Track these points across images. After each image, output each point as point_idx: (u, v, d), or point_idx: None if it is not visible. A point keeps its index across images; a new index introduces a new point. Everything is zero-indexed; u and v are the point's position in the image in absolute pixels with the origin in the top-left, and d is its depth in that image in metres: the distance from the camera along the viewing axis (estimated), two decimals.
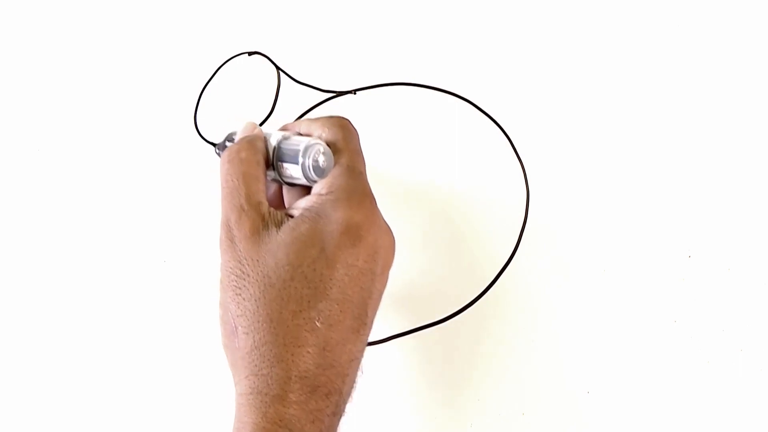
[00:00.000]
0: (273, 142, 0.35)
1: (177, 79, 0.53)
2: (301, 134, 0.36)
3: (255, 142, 0.35)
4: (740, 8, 0.53)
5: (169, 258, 0.47)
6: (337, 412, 0.30)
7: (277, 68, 0.49)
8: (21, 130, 0.53)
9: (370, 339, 0.34)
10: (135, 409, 0.43)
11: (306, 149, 0.33)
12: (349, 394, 0.31)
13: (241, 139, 0.35)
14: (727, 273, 0.44)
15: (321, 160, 0.33)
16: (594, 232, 0.46)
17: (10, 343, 0.45)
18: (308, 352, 0.29)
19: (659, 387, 0.41)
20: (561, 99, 0.50)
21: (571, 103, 0.50)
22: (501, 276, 0.45)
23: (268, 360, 0.29)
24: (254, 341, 0.29)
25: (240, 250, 0.31)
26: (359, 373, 0.32)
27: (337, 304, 0.30)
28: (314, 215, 0.31)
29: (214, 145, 0.39)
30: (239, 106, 0.50)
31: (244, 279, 0.30)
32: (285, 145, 0.35)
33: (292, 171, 0.34)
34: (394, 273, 0.35)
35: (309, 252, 0.30)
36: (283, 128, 0.37)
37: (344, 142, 0.34)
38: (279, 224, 0.31)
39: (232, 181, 0.33)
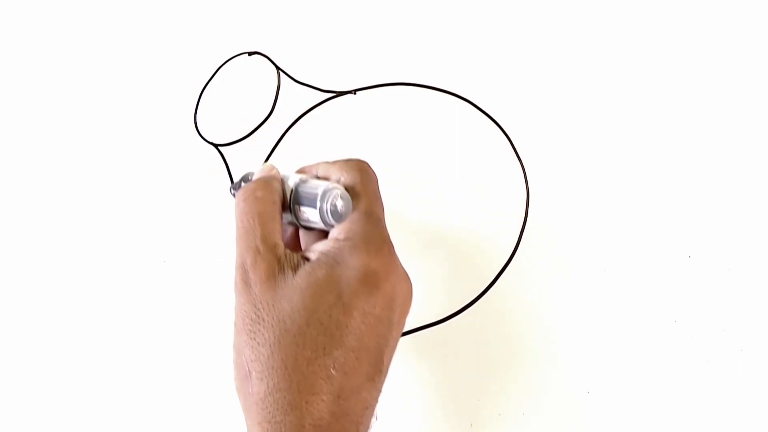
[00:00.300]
0: (290, 184, 0.34)
1: (177, 79, 0.53)
2: (318, 177, 0.35)
3: (271, 182, 0.34)
4: (740, 8, 0.53)
5: (169, 258, 0.47)
6: None
7: (277, 68, 0.49)
8: (21, 130, 0.53)
9: None
10: (135, 409, 0.43)
11: (324, 193, 0.33)
12: None
13: (258, 179, 0.35)
14: (727, 273, 0.44)
15: (339, 204, 0.33)
16: (594, 232, 0.46)
17: (11, 343, 0.45)
18: (323, 400, 0.29)
19: (659, 387, 0.41)
20: (561, 99, 0.50)
21: (571, 103, 0.50)
22: (501, 276, 0.45)
23: (282, 407, 0.28)
24: (268, 387, 0.29)
25: (255, 294, 0.30)
26: (374, 419, 0.32)
27: (353, 352, 0.30)
28: (332, 261, 0.31)
29: (231, 181, 0.38)
30: (239, 106, 0.50)
31: (259, 323, 0.30)
32: (303, 189, 0.34)
33: (310, 215, 0.33)
34: None
35: (326, 298, 0.30)
36: (301, 170, 0.37)
37: (362, 186, 0.34)
38: (295, 268, 0.31)
39: (248, 221, 0.32)
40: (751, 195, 0.46)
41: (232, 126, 0.48)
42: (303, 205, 0.34)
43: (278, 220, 0.33)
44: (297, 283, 0.30)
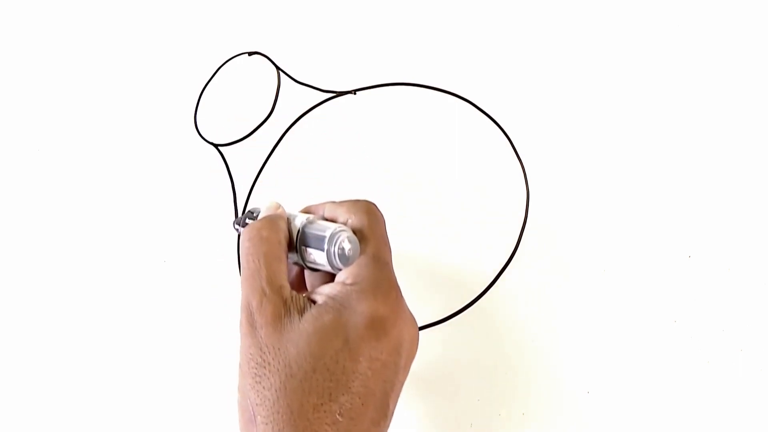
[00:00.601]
0: (297, 224, 0.34)
1: (177, 79, 0.53)
2: (325, 218, 0.35)
3: (277, 221, 0.34)
4: (740, 8, 0.53)
5: (169, 258, 0.47)
6: None
7: (277, 68, 0.49)
8: (21, 130, 0.53)
9: None
10: (135, 409, 0.43)
11: (332, 236, 0.32)
12: None
13: (263, 218, 0.34)
14: (727, 273, 0.44)
15: (347, 248, 0.32)
16: (594, 232, 0.46)
17: (11, 342, 0.45)
18: None
19: (659, 387, 0.41)
20: (561, 99, 0.50)
21: (571, 103, 0.50)
22: (501, 276, 0.45)
23: None
24: None
25: (261, 337, 0.30)
26: None
27: (359, 398, 0.29)
28: (339, 305, 0.31)
29: (236, 218, 0.38)
30: (239, 106, 0.50)
31: (265, 367, 0.30)
32: (310, 230, 0.34)
33: (317, 257, 0.33)
34: (395, 272, 0.35)
35: (332, 344, 0.30)
36: (306, 210, 0.37)
37: (370, 229, 0.34)
38: (302, 311, 0.31)
39: (254, 261, 0.32)
40: (751, 195, 0.46)
41: (232, 126, 0.48)
42: (310, 246, 0.33)
43: (284, 260, 0.33)
44: (303, 327, 0.30)
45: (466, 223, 0.47)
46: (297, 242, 0.34)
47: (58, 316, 0.46)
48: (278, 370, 0.29)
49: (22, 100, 0.54)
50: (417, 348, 0.34)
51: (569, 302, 0.44)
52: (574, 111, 0.50)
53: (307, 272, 0.36)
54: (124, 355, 0.44)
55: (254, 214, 0.37)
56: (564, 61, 0.52)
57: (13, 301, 0.47)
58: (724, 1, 0.54)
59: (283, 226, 0.34)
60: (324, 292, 0.32)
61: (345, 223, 0.34)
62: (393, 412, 0.32)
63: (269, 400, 0.29)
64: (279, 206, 0.36)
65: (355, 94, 0.51)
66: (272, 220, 0.34)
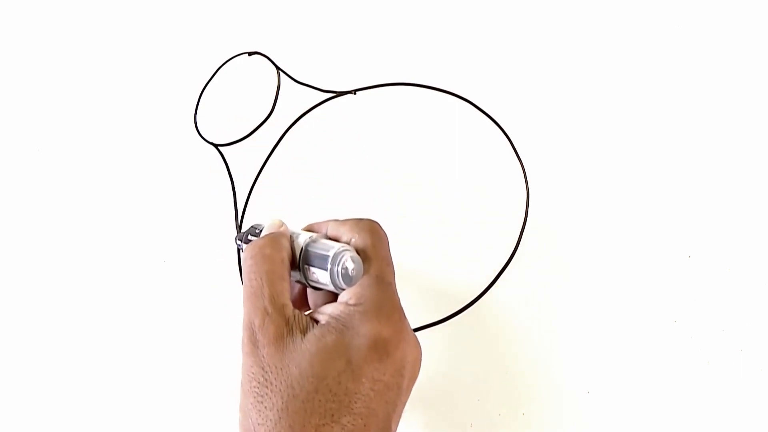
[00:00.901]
0: (300, 242, 0.34)
1: (177, 79, 0.53)
2: (328, 236, 0.35)
3: (280, 239, 0.34)
4: (740, 8, 0.53)
5: (169, 258, 0.47)
6: None
7: (277, 68, 0.49)
8: (21, 130, 0.53)
9: None
10: (135, 409, 0.43)
11: (336, 256, 0.32)
12: None
13: (267, 236, 0.34)
14: (727, 273, 0.44)
15: (350, 267, 0.32)
16: (594, 232, 0.46)
17: (11, 342, 0.45)
18: None
19: (659, 387, 0.41)
20: (561, 99, 0.50)
21: (571, 103, 0.50)
22: (501, 276, 0.45)
23: None
24: None
25: (263, 356, 0.30)
26: None
27: (362, 419, 0.29)
28: (341, 326, 0.31)
29: (239, 231, 0.38)
30: (239, 106, 0.50)
31: (267, 387, 0.30)
32: (313, 248, 0.33)
33: (320, 276, 0.33)
34: (395, 272, 0.35)
35: (335, 364, 0.30)
36: (309, 228, 0.36)
37: (374, 249, 0.33)
38: (304, 330, 0.31)
39: (256, 280, 0.32)
40: (750, 195, 0.46)
41: (232, 126, 0.48)
42: (313, 265, 0.33)
43: (287, 279, 0.33)
44: (306, 347, 0.30)
45: (466, 223, 0.47)
46: (300, 261, 0.34)
47: (58, 316, 0.46)
48: (280, 390, 0.29)
49: (22, 100, 0.54)
50: (419, 368, 0.34)
51: (569, 302, 0.44)
52: (574, 111, 0.50)
53: (309, 290, 0.36)
54: (124, 355, 0.44)
55: (257, 231, 0.36)
56: (564, 62, 0.52)
57: (14, 301, 0.47)
58: (724, 1, 0.54)
59: (286, 244, 0.34)
60: (327, 312, 0.32)
61: (348, 242, 0.34)
62: None
63: (271, 420, 0.29)
64: (282, 224, 0.36)
65: (355, 94, 0.51)
66: (275, 238, 0.34)
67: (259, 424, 0.29)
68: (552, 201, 0.47)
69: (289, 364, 0.30)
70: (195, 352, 0.44)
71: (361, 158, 0.49)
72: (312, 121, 0.51)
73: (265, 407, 0.29)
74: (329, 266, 0.32)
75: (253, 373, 0.30)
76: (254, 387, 0.30)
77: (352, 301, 0.32)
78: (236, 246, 0.34)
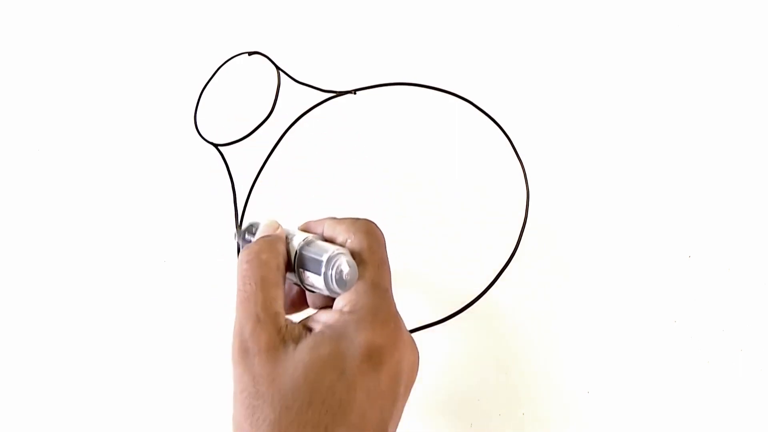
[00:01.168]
0: (295, 245, 0.33)
1: (177, 79, 0.53)
2: (324, 237, 0.34)
3: (276, 244, 0.33)
4: (740, 8, 0.53)
5: (169, 258, 0.47)
6: None
7: (277, 68, 0.49)
8: (21, 130, 0.53)
9: None
10: (135, 409, 0.43)
11: (330, 260, 0.31)
12: None
13: (263, 240, 0.33)
14: (727, 273, 0.44)
15: (345, 271, 0.31)
16: (594, 232, 0.46)
17: (11, 342, 0.45)
18: None
19: (659, 387, 0.41)
20: (561, 99, 0.50)
21: (571, 103, 0.50)
22: (501, 276, 0.45)
23: None
24: None
25: (254, 365, 0.29)
26: None
27: (357, 429, 0.29)
28: (336, 335, 0.30)
29: (238, 230, 0.37)
30: (239, 106, 0.50)
31: (259, 398, 0.29)
32: (307, 252, 0.32)
33: (314, 280, 0.32)
34: (394, 273, 0.35)
35: (329, 375, 0.29)
36: (305, 227, 0.36)
37: (370, 252, 0.32)
38: (297, 340, 0.30)
39: (250, 285, 0.31)
40: (750, 195, 0.46)
41: (232, 126, 0.48)
42: (307, 269, 0.32)
43: (281, 285, 0.32)
44: (299, 357, 0.29)
45: (466, 223, 0.47)
46: (295, 264, 0.33)
47: (58, 316, 0.46)
48: (272, 401, 0.28)
49: (22, 100, 0.54)
50: (417, 372, 0.33)
51: (569, 302, 0.44)
52: (574, 111, 0.50)
53: (307, 292, 0.36)
54: (124, 355, 0.44)
55: (254, 229, 0.35)
56: (564, 62, 0.52)
57: (14, 301, 0.47)
58: (724, 1, 0.54)
59: (282, 249, 0.33)
60: (321, 320, 0.31)
61: (344, 244, 0.33)
62: None
63: None
64: (278, 226, 0.35)
65: (355, 94, 0.51)
66: (271, 242, 0.33)
67: None
68: (552, 201, 0.47)
69: (281, 374, 0.29)
70: (195, 352, 0.44)
71: (361, 158, 0.49)
72: (312, 121, 0.51)
73: (258, 419, 0.28)
74: (323, 270, 0.31)
75: (244, 383, 0.29)
76: (245, 398, 0.29)
77: (346, 309, 0.31)
78: (234, 240, 0.34)
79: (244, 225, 0.36)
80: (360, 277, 0.32)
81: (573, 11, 0.54)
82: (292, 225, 0.35)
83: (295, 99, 0.50)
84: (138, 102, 0.53)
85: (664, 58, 0.52)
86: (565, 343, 0.43)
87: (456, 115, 0.50)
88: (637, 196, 0.47)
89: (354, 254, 0.33)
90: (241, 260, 0.32)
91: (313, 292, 0.34)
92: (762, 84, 0.50)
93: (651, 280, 0.44)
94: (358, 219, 0.34)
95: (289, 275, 0.34)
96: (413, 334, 0.42)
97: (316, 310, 0.33)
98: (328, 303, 0.33)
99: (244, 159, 0.48)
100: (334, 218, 0.35)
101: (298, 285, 0.34)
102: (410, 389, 0.33)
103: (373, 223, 0.34)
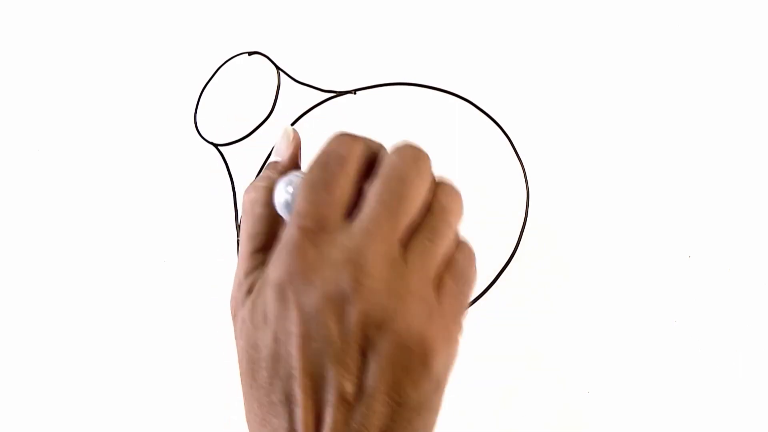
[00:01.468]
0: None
1: (177, 79, 0.53)
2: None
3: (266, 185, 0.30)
4: (740, 8, 0.53)
5: (169, 258, 0.47)
6: None
7: (277, 68, 0.49)
8: (21, 130, 0.53)
9: None
10: (135, 409, 0.43)
11: (282, 184, 0.28)
12: None
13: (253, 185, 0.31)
14: (727, 273, 0.44)
15: (285, 199, 0.28)
16: (594, 232, 0.46)
17: (11, 342, 0.45)
18: None
19: (659, 387, 0.41)
20: (561, 99, 0.50)
21: (571, 103, 0.50)
22: (501, 276, 0.45)
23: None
24: None
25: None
26: None
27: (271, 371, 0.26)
28: (261, 280, 0.27)
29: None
30: (239, 106, 0.50)
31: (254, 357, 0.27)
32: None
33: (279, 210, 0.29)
34: None
35: (252, 332, 0.26)
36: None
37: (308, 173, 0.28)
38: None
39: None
40: (751, 195, 0.46)
41: (232, 126, 0.48)
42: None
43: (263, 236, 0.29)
44: (240, 315, 0.27)
45: (466, 223, 0.47)
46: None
47: (58, 316, 0.46)
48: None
49: (22, 100, 0.54)
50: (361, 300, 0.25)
51: (569, 302, 0.44)
52: (574, 111, 0.50)
53: None
54: (124, 355, 0.44)
55: (294, 177, 0.30)
56: (564, 62, 0.52)
57: (14, 301, 0.47)
58: (724, 1, 0.54)
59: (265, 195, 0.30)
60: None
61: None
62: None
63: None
64: (292, 164, 0.32)
65: (355, 94, 0.51)
66: (255, 186, 0.30)
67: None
68: (552, 201, 0.47)
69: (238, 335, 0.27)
70: (195, 352, 0.44)
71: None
72: (312, 121, 0.51)
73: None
74: (275, 195, 0.28)
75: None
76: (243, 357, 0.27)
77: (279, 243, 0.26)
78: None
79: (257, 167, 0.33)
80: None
81: (573, 11, 0.54)
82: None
83: (295, 99, 0.50)
84: (138, 102, 0.53)
85: (664, 59, 0.52)
86: (565, 343, 0.43)
87: (456, 115, 0.50)
88: (637, 196, 0.47)
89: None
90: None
91: None
92: (762, 84, 0.50)
93: (651, 280, 0.44)
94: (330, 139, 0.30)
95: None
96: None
97: None
98: None
99: (244, 159, 0.48)
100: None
101: None
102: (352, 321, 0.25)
103: (344, 138, 0.30)
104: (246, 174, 0.49)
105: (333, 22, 0.55)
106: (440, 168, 0.48)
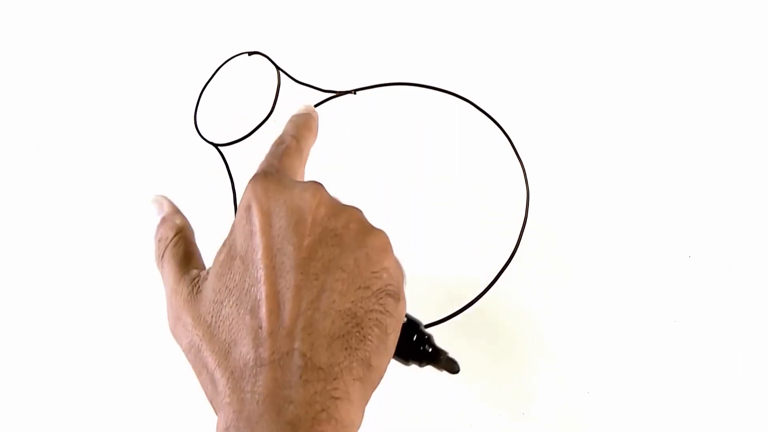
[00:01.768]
0: None
1: (177, 79, 0.53)
2: None
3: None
4: (740, 8, 0.53)
5: None
6: None
7: (277, 68, 0.49)
8: (21, 130, 0.53)
9: None
10: (135, 409, 0.43)
11: None
12: None
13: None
14: (727, 273, 0.44)
15: None
16: (594, 232, 0.46)
17: (10, 342, 0.45)
18: None
19: (659, 387, 0.41)
20: (561, 99, 0.50)
21: (571, 103, 0.50)
22: (501, 276, 0.45)
23: None
24: None
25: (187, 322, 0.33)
26: None
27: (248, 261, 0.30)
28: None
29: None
30: (239, 106, 0.50)
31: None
32: None
33: None
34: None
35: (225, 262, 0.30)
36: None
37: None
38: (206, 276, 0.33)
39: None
40: (750, 195, 0.46)
41: (232, 126, 0.48)
42: None
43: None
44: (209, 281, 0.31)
45: (466, 223, 0.47)
46: None
47: (57, 316, 0.46)
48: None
49: (22, 100, 0.54)
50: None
51: (569, 302, 0.44)
52: (574, 111, 0.50)
53: None
54: (124, 355, 0.44)
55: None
56: (564, 62, 0.52)
57: (13, 301, 0.47)
58: (724, 1, 0.54)
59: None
60: None
61: None
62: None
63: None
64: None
65: (355, 94, 0.51)
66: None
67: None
68: (552, 201, 0.47)
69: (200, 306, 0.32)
70: None
71: (361, 158, 0.49)
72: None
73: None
74: None
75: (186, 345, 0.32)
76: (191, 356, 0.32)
77: None
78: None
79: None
80: None
81: (573, 11, 0.54)
82: None
83: (295, 99, 0.50)
84: (138, 102, 0.53)
85: (664, 59, 0.52)
86: (565, 343, 0.43)
87: (456, 115, 0.50)
88: (637, 196, 0.47)
89: None
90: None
91: None
92: (762, 84, 0.50)
93: (651, 280, 0.44)
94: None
95: None
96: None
97: None
98: None
99: (244, 159, 0.48)
100: None
101: None
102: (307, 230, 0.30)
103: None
104: (246, 174, 0.49)
105: (333, 22, 0.55)
106: (440, 168, 0.48)
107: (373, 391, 0.29)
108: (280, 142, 0.37)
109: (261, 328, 0.27)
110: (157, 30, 0.56)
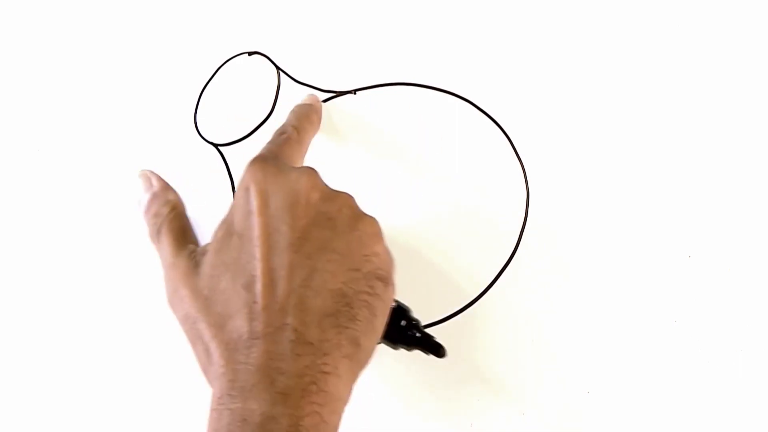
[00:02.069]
0: None
1: (177, 79, 0.53)
2: None
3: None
4: (740, 8, 0.53)
5: None
6: None
7: (277, 68, 0.49)
8: (21, 130, 0.53)
9: None
10: (135, 409, 0.43)
11: None
12: None
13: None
14: (727, 273, 0.44)
15: None
16: (594, 232, 0.46)
17: (10, 343, 0.45)
18: None
19: (659, 387, 0.41)
20: (561, 99, 0.50)
21: (571, 103, 0.50)
22: (501, 276, 0.45)
23: None
24: None
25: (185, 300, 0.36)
26: None
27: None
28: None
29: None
30: (239, 106, 0.50)
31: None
32: None
33: None
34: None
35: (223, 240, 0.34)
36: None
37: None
38: (203, 252, 0.36)
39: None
40: (751, 195, 0.46)
41: (232, 126, 0.48)
42: None
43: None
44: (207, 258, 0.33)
45: (466, 223, 0.47)
46: None
47: (57, 317, 0.46)
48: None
49: (22, 100, 0.54)
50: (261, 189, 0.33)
51: (569, 302, 0.44)
52: (574, 111, 0.50)
53: None
54: (124, 356, 0.44)
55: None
56: (564, 61, 0.52)
57: (13, 301, 0.47)
58: (724, 1, 0.54)
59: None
60: None
61: None
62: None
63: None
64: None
65: (355, 94, 0.51)
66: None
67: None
68: (552, 201, 0.47)
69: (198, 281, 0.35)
70: None
71: (361, 158, 0.49)
72: None
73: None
74: None
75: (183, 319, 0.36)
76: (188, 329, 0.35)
77: None
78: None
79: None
80: None
81: (573, 11, 0.54)
82: None
83: (295, 99, 0.50)
84: (138, 102, 0.53)
85: (664, 58, 0.52)
86: (565, 343, 0.43)
87: (456, 115, 0.50)
88: (637, 196, 0.47)
89: None
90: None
91: None
92: (762, 84, 0.50)
93: (651, 280, 0.44)
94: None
95: None
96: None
97: None
98: None
99: (244, 159, 0.48)
100: None
101: None
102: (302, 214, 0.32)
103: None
104: None
105: (333, 23, 0.55)
106: (440, 168, 0.48)
107: (360, 371, 0.30)
108: (281, 132, 0.38)
109: (255, 302, 0.28)
110: (156, 30, 0.56)
